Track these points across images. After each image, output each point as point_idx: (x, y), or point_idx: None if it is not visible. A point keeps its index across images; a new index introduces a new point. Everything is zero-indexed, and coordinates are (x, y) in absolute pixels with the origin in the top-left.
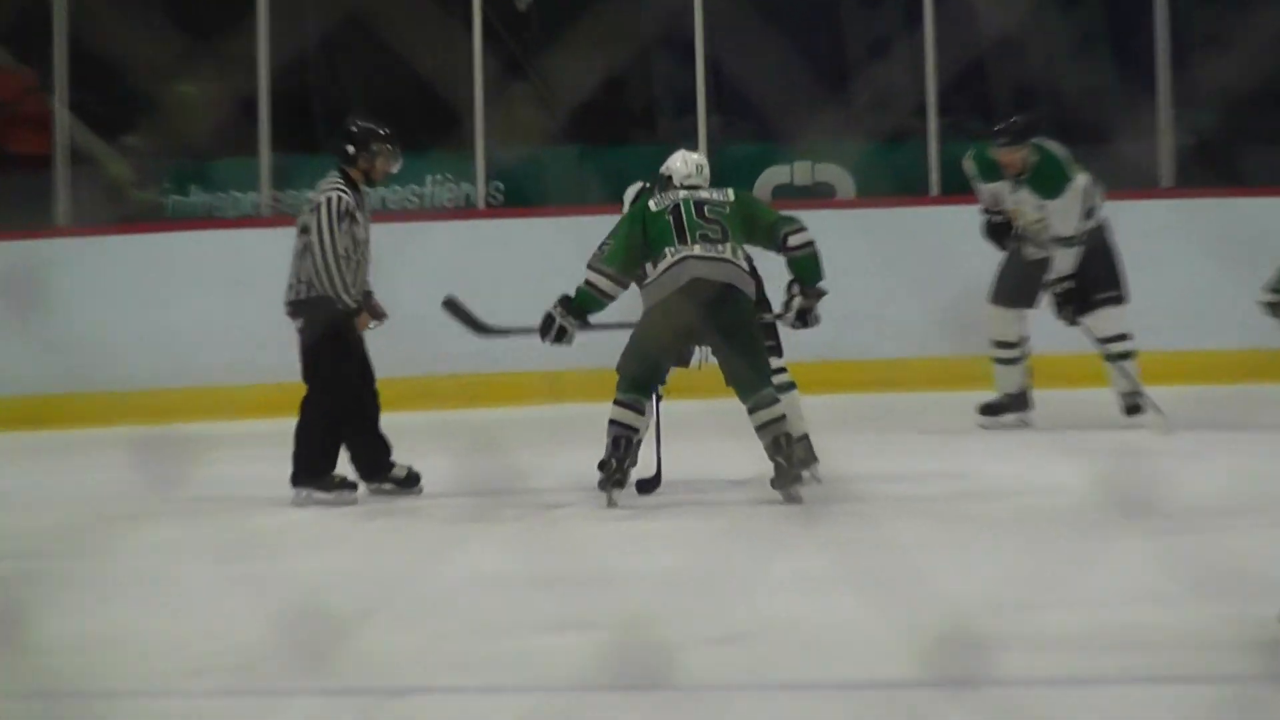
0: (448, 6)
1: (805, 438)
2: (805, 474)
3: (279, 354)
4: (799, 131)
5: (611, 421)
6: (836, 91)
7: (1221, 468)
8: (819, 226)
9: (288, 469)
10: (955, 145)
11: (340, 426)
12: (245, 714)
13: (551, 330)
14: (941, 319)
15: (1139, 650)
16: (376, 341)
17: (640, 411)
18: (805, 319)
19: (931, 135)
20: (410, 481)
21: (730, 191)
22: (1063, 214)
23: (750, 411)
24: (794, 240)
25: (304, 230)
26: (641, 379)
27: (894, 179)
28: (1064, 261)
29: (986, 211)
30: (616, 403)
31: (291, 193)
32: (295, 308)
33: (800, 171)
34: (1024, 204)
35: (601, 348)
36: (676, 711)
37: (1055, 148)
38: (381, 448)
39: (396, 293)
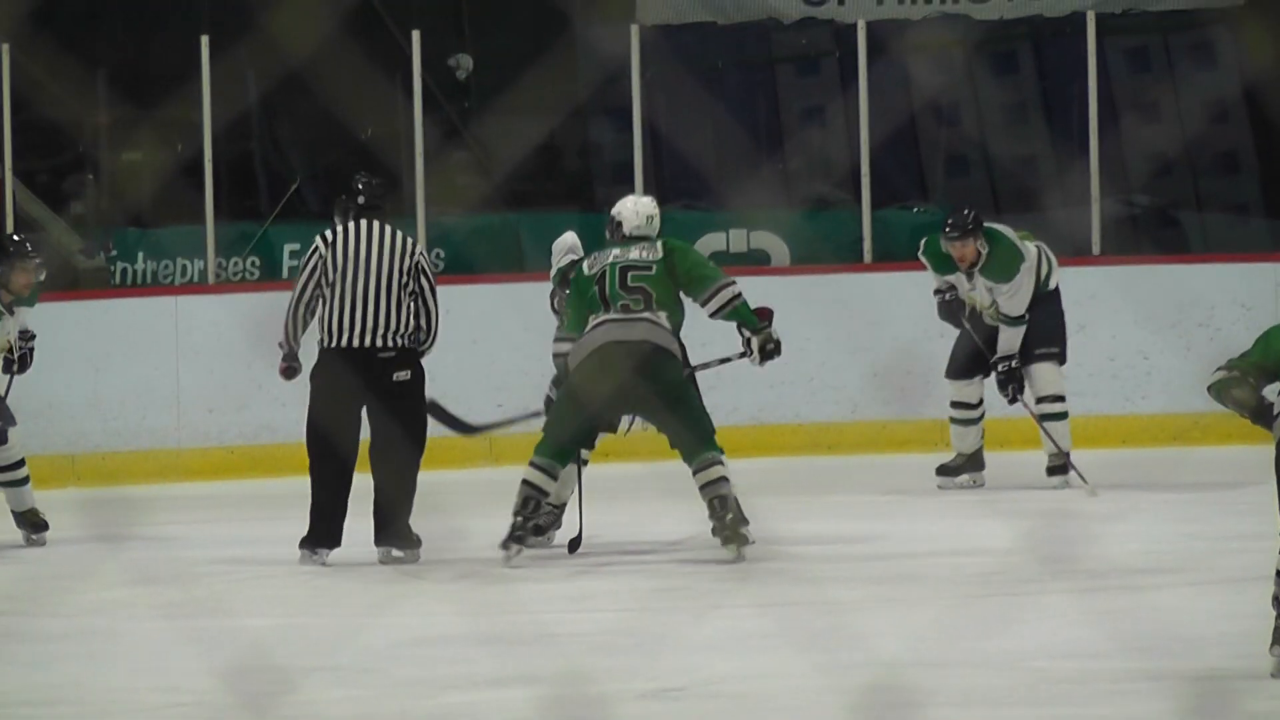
0: (387, 74)
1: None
2: (744, 533)
3: (225, 418)
4: (734, 198)
5: (523, 481)
6: (771, 158)
7: (1146, 529)
8: (755, 293)
9: (234, 529)
10: (887, 212)
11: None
12: None
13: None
14: (875, 383)
15: (1064, 704)
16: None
17: (553, 476)
18: (768, 352)
19: (865, 202)
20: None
21: (659, 246)
22: (1014, 295)
23: (693, 474)
24: (710, 307)
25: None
26: (561, 444)
27: (827, 245)
28: (1010, 341)
29: (938, 291)
30: (531, 464)
31: (235, 260)
32: (401, 357)
33: (736, 239)
34: (979, 291)
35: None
36: None
37: (1004, 231)
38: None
39: None
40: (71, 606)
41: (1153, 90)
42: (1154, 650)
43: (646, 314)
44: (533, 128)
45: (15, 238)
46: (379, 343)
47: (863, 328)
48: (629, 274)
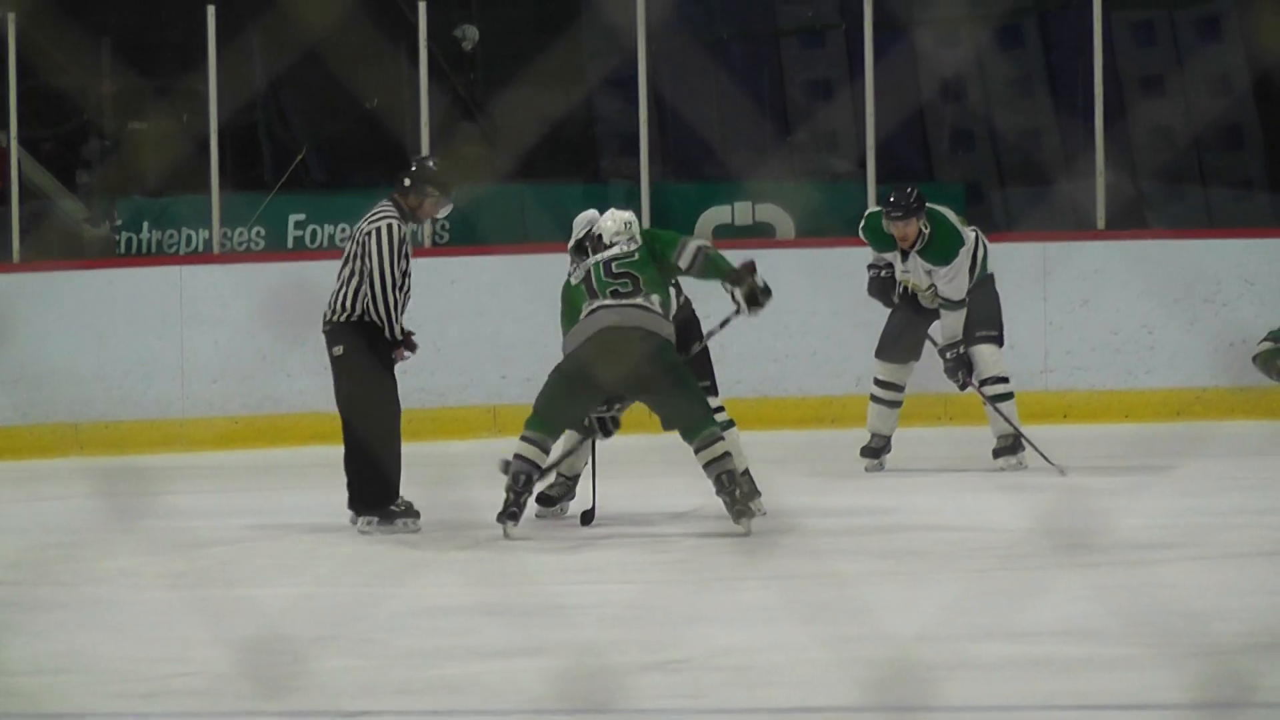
0: (393, 44)
1: (746, 472)
2: (752, 507)
3: (229, 388)
4: (739, 171)
5: (515, 456)
6: (777, 131)
7: (1150, 504)
8: (760, 265)
9: (239, 500)
10: (894, 187)
11: (397, 448)
12: None
13: (605, 425)
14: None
15: (1068, 678)
16: None
17: (544, 449)
18: (757, 299)
19: (870, 177)
20: (409, 514)
21: (638, 236)
22: (954, 279)
23: (696, 451)
24: (683, 261)
25: (353, 257)
26: (550, 419)
27: (833, 218)
28: (953, 326)
29: (873, 266)
30: (522, 438)
31: (241, 230)
32: (335, 331)
33: (741, 212)
34: (916, 272)
35: (538, 385)
36: None
37: (946, 213)
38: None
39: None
40: (77, 575)
41: (1158, 65)
42: (1159, 625)
43: (638, 298)
44: (539, 100)
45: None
46: (323, 320)
47: (868, 302)
48: (613, 264)
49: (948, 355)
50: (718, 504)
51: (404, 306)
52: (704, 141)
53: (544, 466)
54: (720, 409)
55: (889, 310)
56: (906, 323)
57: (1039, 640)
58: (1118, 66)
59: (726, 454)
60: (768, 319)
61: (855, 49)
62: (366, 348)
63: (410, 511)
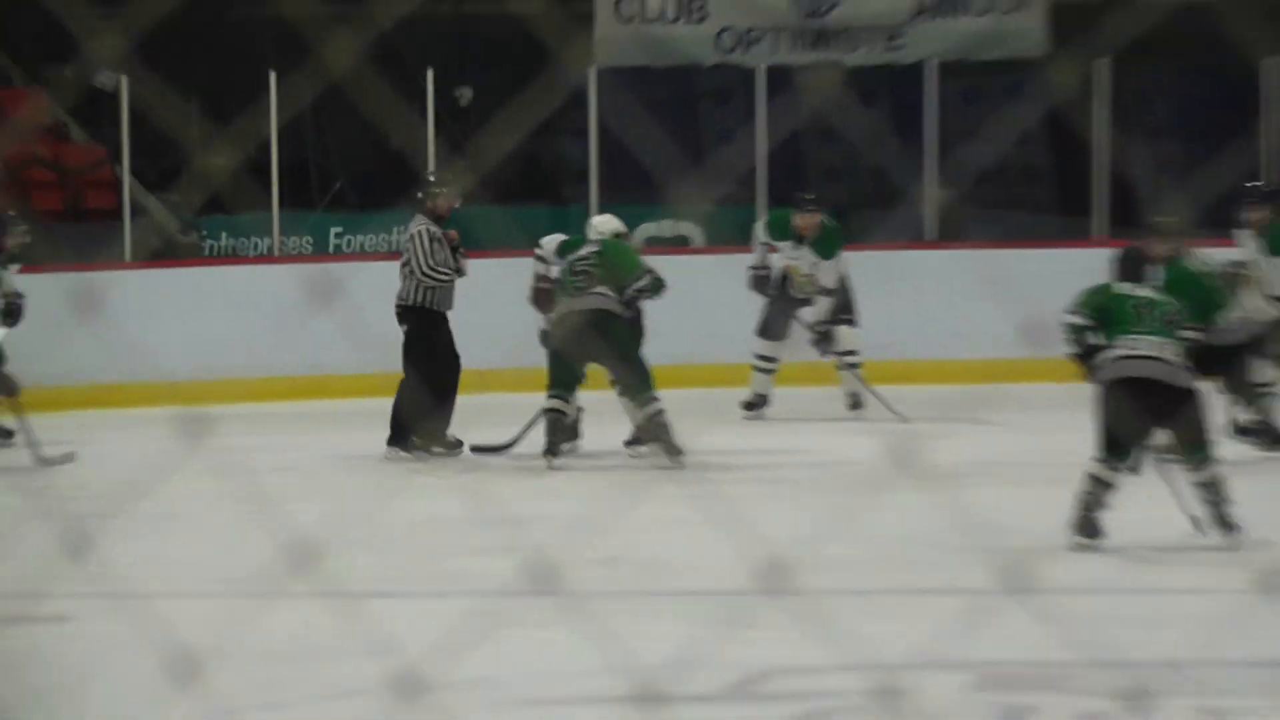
0: (410, 101)
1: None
2: (675, 445)
3: (283, 355)
4: (665, 196)
5: (545, 410)
6: (694, 167)
7: (974, 442)
8: (676, 267)
9: (289, 439)
10: (778, 209)
11: (428, 401)
12: (253, 611)
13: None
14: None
15: (906, 572)
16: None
17: (565, 400)
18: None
19: (760, 199)
20: (454, 446)
21: (603, 243)
22: (830, 271)
23: (638, 408)
24: (631, 290)
25: (404, 257)
26: (557, 381)
27: (733, 231)
28: (823, 308)
29: (753, 268)
30: (549, 398)
31: (294, 238)
32: (402, 313)
33: (665, 227)
34: (801, 260)
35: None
36: (569, 612)
37: (832, 218)
38: (443, 420)
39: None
40: (165, 495)
41: (977, 116)
42: (977, 532)
43: (596, 289)
44: (515, 141)
45: (10, 213)
46: (396, 303)
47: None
48: (575, 265)
49: (818, 330)
50: (649, 447)
51: (447, 275)
52: (639, 173)
53: (569, 414)
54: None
55: (766, 300)
56: (780, 310)
57: (883, 543)
58: (946, 117)
59: (660, 411)
60: (685, 306)
61: (752, 106)
62: (420, 328)
63: (454, 447)
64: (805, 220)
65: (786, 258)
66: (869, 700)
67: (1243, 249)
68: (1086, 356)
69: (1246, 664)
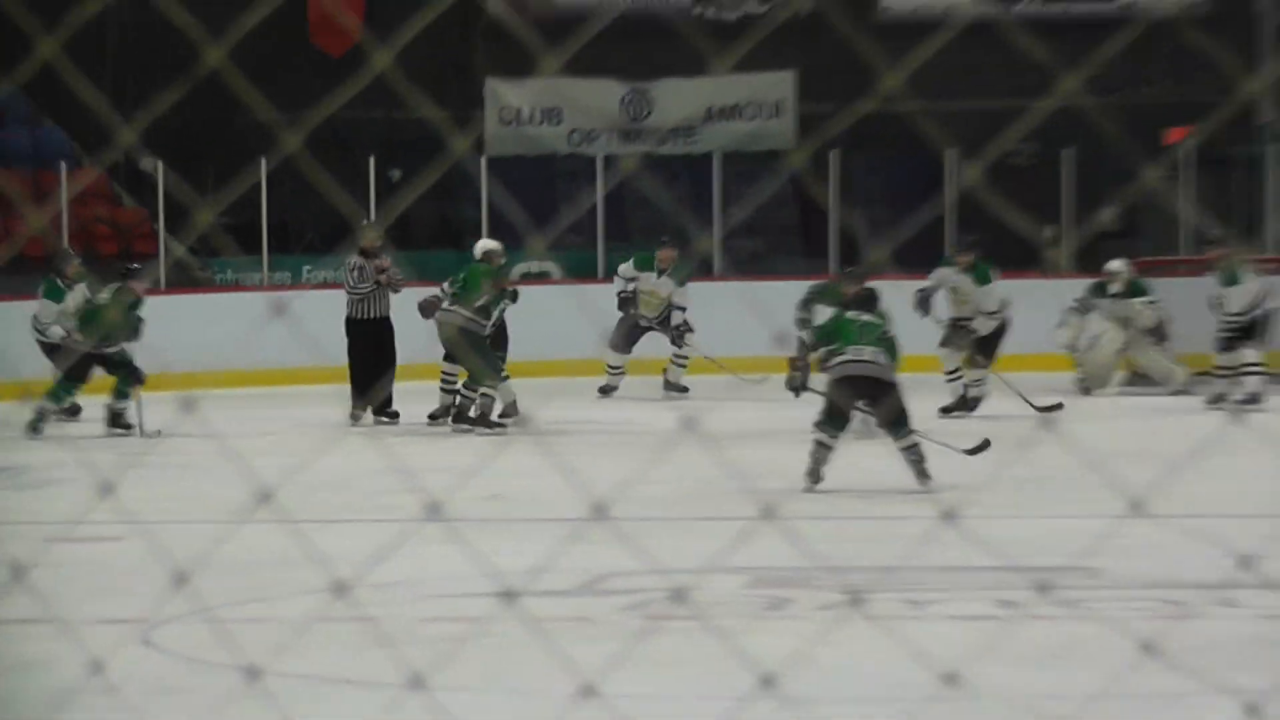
0: (356, 179)
1: (514, 402)
2: (509, 420)
3: (263, 353)
4: (532, 243)
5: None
6: (552, 223)
7: (745, 414)
8: (537, 296)
9: (263, 413)
10: (613, 253)
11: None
12: (229, 533)
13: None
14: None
15: (699, 503)
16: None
17: (450, 382)
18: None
19: (599, 246)
20: (394, 416)
21: (469, 267)
22: (681, 292)
23: (478, 392)
24: (476, 309)
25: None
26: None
27: (580, 269)
28: (679, 318)
29: (620, 293)
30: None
31: (279, 273)
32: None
33: (532, 265)
34: (662, 288)
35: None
36: (458, 533)
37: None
38: (377, 395)
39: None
40: (170, 450)
41: (744, 186)
42: (745, 478)
43: (458, 306)
44: (427, 206)
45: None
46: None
47: (598, 314)
48: (449, 284)
49: (680, 332)
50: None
51: (359, 293)
52: (516, 229)
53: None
54: (506, 376)
55: (619, 319)
56: (630, 327)
57: (680, 485)
58: (726, 187)
59: (493, 399)
60: (545, 318)
61: (594, 181)
62: (349, 330)
63: (393, 416)
64: (664, 255)
65: (649, 285)
66: (673, 594)
67: (949, 281)
68: (806, 356)
69: (936, 569)
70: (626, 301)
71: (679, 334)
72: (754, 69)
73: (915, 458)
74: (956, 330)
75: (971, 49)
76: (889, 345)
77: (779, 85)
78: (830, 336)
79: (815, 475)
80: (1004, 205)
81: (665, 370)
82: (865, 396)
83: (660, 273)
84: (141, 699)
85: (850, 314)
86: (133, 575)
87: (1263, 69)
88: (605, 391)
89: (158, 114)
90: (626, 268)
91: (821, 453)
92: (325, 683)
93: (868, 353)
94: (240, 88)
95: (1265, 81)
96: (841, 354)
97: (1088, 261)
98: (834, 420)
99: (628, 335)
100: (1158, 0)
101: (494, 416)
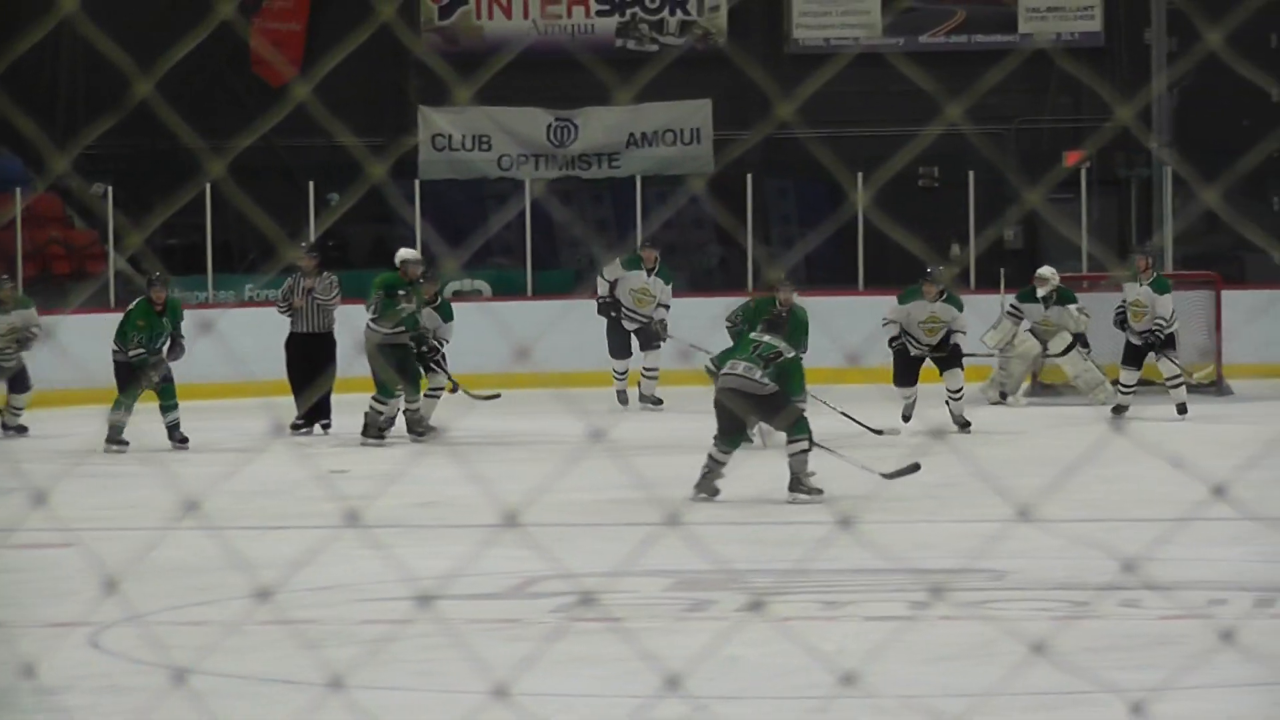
0: (297, 202)
1: (422, 419)
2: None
3: (207, 368)
4: (466, 264)
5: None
6: (482, 242)
7: (668, 425)
8: (472, 313)
9: (232, 423)
10: (544, 272)
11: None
12: (157, 539)
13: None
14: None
15: (607, 510)
16: None
17: (383, 401)
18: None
19: (529, 265)
20: (326, 426)
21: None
22: (666, 290)
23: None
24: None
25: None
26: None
27: (509, 288)
28: (661, 314)
29: (600, 299)
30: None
31: (223, 292)
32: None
33: (467, 284)
34: (653, 288)
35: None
36: (384, 538)
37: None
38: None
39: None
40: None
41: (667, 207)
42: (650, 486)
43: (380, 324)
44: (369, 227)
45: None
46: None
47: (528, 328)
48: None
49: (663, 338)
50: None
51: (285, 308)
52: (448, 247)
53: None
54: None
55: (607, 327)
56: (622, 332)
57: (590, 492)
58: (649, 210)
59: (419, 408)
60: (478, 333)
61: (521, 204)
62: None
63: (326, 426)
64: (648, 254)
65: (643, 283)
66: (594, 596)
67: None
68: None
69: (850, 570)
70: (607, 307)
71: (656, 335)
72: (673, 97)
73: (798, 464)
74: (1136, 348)
75: (877, 79)
76: (783, 367)
77: (697, 113)
78: (726, 353)
79: (704, 487)
80: (893, 226)
81: (639, 384)
82: (749, 411)
83: (649, 271)
84: (80, 699)
85: (754, 333)
86: (75, 579)
87: (1141, 96)
88: (621, 398)
89: (87, 143)
90: (613, 268)
91: (712, 465)
92: (258, 682)
93: (741, 368)
94: (168, 117)
95: (1136, 109)
96: (724, 368)
97: (989, 279)
98: (725, 435)
99: (624, 341)
100: (1049, 31)
101: (420, 429)
